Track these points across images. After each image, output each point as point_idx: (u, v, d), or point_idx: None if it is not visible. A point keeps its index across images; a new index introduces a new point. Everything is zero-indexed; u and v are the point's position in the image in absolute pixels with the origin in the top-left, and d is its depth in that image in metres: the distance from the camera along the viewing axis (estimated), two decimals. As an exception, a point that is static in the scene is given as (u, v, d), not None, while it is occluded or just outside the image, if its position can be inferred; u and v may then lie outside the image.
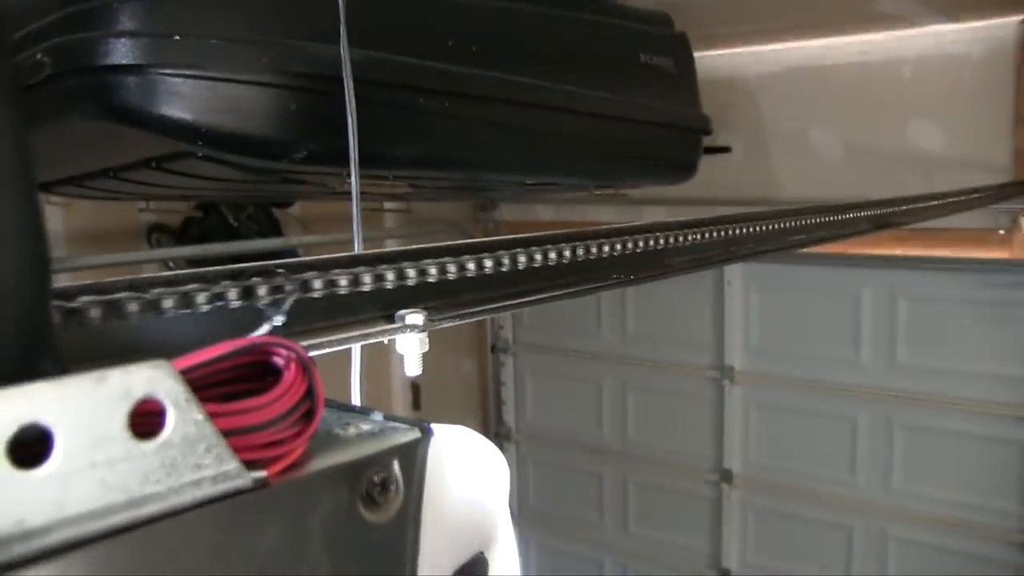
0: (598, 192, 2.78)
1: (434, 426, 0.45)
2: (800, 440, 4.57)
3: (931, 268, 3.99)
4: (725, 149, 4.15)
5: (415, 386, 5.26)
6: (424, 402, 5.22)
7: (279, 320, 0.56)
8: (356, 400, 1.01)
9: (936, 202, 2.06)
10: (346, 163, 1.78)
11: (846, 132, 4.03)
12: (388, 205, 3.92)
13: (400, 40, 1.77)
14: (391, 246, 4.75)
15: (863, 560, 4.47)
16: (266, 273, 0.54)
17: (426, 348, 0.69)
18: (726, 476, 4.82)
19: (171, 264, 3.69)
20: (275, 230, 4.13)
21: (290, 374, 0.37)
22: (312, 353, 0.60)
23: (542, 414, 5.57)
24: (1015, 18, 3.47)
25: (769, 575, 4.78)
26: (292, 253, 4.07)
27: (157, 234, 3.81)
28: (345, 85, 1.25)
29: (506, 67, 1.99)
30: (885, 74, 3.87)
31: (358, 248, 1.15)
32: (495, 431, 5.66)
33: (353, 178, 1.15)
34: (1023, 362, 3.86)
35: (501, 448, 5.88)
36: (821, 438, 4.50)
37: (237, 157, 1.74)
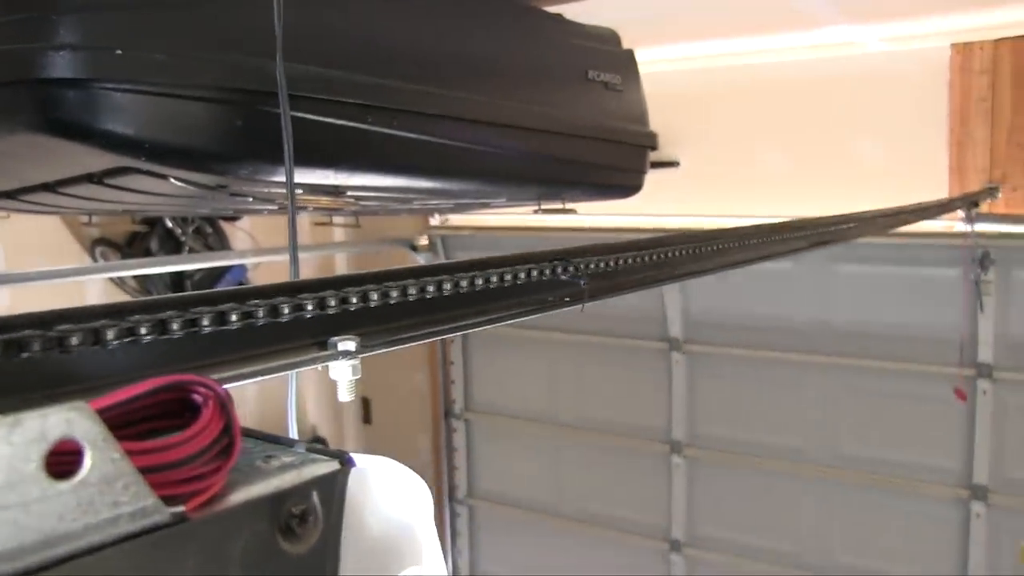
0: (545, 207, 2.80)
1: (355, 456, 0.46)
2: (746, 409, 4.65)
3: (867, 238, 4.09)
4: (672, 164, 4.22)
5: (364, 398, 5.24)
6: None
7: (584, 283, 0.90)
8: (292, 426, 1.01)
9: (870, 220, 2.12)
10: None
11: (790, 148, 4.12)
12: (337, 220, 3.90)
13: (346, 56, 1.77)
14: (340, 260, 4.73)
15: (811, 522, 4.56)
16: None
17: (359, 375, 0.69)
18: (676, 447, 4.88)
19: (117, 279, 3.63)
20: (222, 243, 4.09)
21: (207, 411, 0.38)
22: (245, 382, 0.61)
23: (491, 392, 5.60)
24: (947, 42, 3.59)
25: (717, 542, 4.85)
26: (240, 268, 4.03)
27: (102, 248, 3.74)
28: (281, 104, 1.25)
29: (453, 84, 2.00)
30: (828, 92, 3.98)
31: (293, 274, 1.15)
32: (444, 411, 5.66)
33: (290, 203, 1.15)
34: (955, 327, 3.98)
35: (450, 428, 5.85)
36: (765, 405, 4.59)
37: (181, 172, 1.72)
